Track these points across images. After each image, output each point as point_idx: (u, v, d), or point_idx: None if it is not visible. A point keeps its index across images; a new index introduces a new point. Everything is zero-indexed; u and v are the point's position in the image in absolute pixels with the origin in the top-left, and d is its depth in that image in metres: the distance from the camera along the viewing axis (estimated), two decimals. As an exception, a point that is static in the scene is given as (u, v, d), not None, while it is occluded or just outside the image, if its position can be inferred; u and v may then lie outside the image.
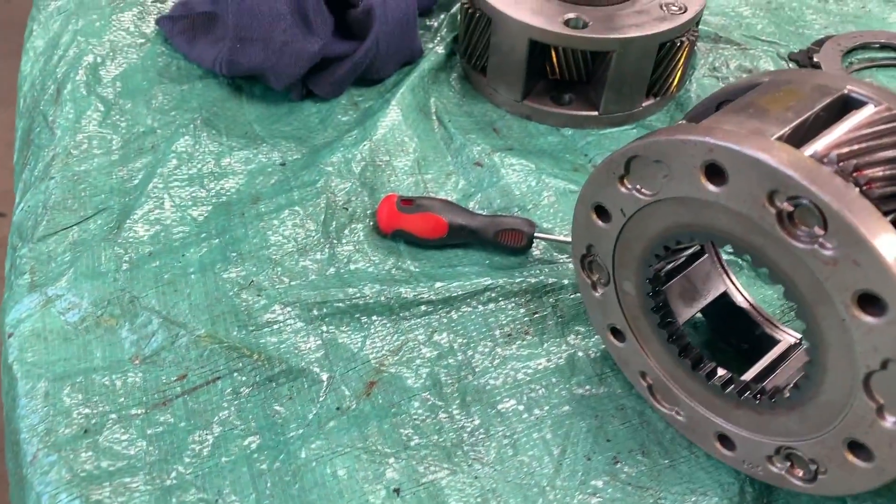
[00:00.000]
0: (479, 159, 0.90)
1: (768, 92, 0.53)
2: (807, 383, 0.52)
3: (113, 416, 0.66)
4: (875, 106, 0.50)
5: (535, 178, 0.87)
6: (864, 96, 0.51)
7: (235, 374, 0.69)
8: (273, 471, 0.63)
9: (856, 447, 0.51)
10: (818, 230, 0.44)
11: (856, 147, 0.45)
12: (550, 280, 0.77)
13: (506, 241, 0.79)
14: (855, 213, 0.42)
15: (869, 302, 0.44)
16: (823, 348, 0.49)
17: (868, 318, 0.44)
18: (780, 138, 0.47)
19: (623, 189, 0.55)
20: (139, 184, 0.85)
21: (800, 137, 0.48)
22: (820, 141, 0.47)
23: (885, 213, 0.43)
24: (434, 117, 0.97)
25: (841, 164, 0.44)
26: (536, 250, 0.81)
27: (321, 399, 0.68)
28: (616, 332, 0.66)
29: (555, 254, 0.81)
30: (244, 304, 0.74)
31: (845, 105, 0.52)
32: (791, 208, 0.45)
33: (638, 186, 0.54)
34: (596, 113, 0.96)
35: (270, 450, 0.64)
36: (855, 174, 0.43)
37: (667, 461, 0.64)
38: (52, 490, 0.61)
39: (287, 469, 0.63)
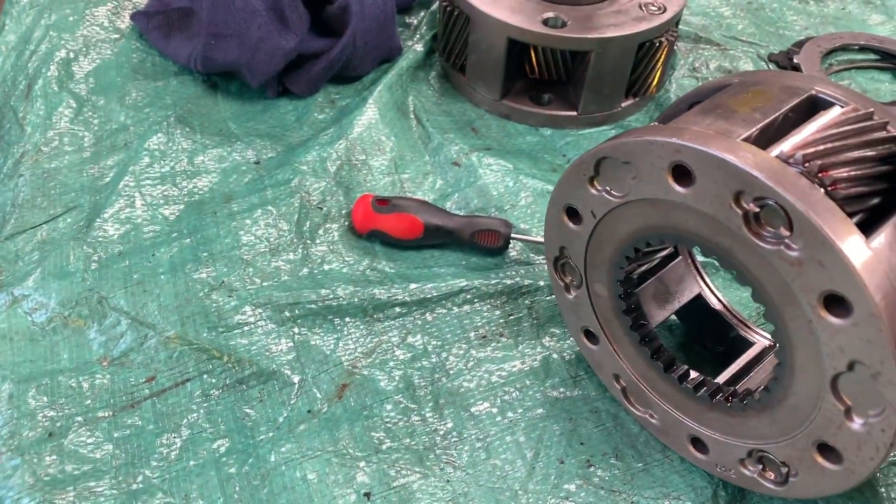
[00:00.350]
0: (456, 159, 0.89)
1: (737, 93, 0.52)
2: (776, 386, 0.52)
3: (79, 418, 0.65)
4: (842, 107, 0.50)
5: (512, 179, 0.87)
6: (832, 97, 0.51)
7: (205, 377, 0.68)
8: (242, 475, 0.62)
9: (825, 449, 0.51)
10: (784, 231, 0.44)
11: (821, 148, 0.44)
12: (526, 281, 0.76)
13: (482, 241, 0.78)
14: (820, 214, 0.41)
15: (835, 303, 0.44)
16: (792, 350, 0.49)
17: (834, 320, 0.44)
18: (747, 139, 0.47)
19: (593, 190, 0.55)
20: (110, 182, 0.84)
21: (767, 138, 0.48)
22: (786, 142, 0.46)
23: (851, 215, 0.43)
24: (412, 116, 0.96)
25: (807, 164, 0.43)
26: (513, 251, 0.80)
27: (292, 402, 0.67)
28: (589, 335, 0.65)
29: (531, 255, 0.80)
30: (215, 305, 0.73)
31: (813, 106, 0.51)
32: (757, 209, 0.44)
33: (608, 188, 0.54)
34: (575, 113, 0.96)
35: (239, 453, 0.63)
36: (820, 175, 0.43)
37: (640, 465, 0.64)
38: (14, 495, 0.60)
39: (256, 473, 0.62)
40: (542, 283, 0.76)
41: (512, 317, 0.74)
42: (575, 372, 0.70)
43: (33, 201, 0.82)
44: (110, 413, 0.65)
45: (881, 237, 0.44)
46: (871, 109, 0.50)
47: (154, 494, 0.61)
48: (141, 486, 0.61)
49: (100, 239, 0.78)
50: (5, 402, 0.65)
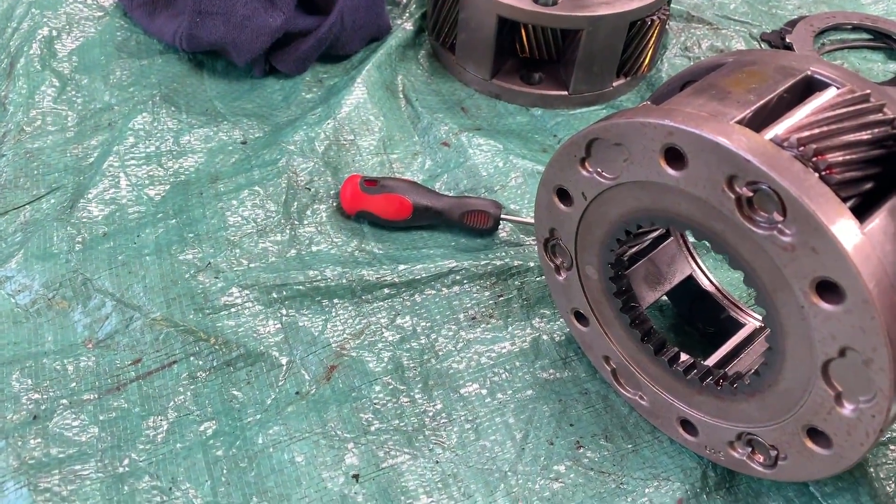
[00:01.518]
0: (446, 139, 0.88)
1: (731, 73, 0.51)
2: (767, 370, 0.51)
3: (64, 401, 0.64)
4: (838, 88, 0.49)
5: (502, 159, 0.86)
6: (828, 78, 0.50)
7: (192, 359, 0.67)
8: (229, 457, 0.62)
9: (815, 434, 0.51)
10: (777, 216, 0.43)
11: (816, 131, 0.44)
12: (516, 262, 0.76)
13: (472, 222, 0.78)
14: (813, 200, 0.41)
15: (827, 289, 0.44)
16: (783, 335, 0.48)
17: (826, 306, 0.44)
18: (740, 121, 0.46)
19: (584, 172, 0.54)
20: (94, 162, 0.83)
21: (761, 120, 0.47)
22: (781, 124, 0.45)
23: (845, 199, 0.42)
24: (401, 95, 0.95)
25: (801, 148, 0.43)
26: (503, 232, 0.80)
27: (280, 384, 0.66)
28: (579, 317, 0.65)
29: (521, 236, 0.79)
30: (201, 286, 0.72)
31: (808, 87, 0.51)
32: (750, 193, 0.44)
33: (599, 170, 0.53)
34: (566, 93, 0.95)
35: (227, 436, 0.63)
36: (815, 159, 0.42)
37: (630, 446, 0.64)
38: (-2, 478, 0.59)
39: (243, 455, 0.62)
40: (531, 264, 0.76)
41: (501, 298, 0.73)
42: (565, 353, 0.70)
43: (16, 182, 0.80)
44: (96, 396, 0.65)
45: (875, 222, 0.44)
46: (868, 91, 0.49)
47: (140, 477, 0.60)
48: (127, 469, 0.60)
49: (84, 220, 0.77)
50: (-11, 386, 0.64)
